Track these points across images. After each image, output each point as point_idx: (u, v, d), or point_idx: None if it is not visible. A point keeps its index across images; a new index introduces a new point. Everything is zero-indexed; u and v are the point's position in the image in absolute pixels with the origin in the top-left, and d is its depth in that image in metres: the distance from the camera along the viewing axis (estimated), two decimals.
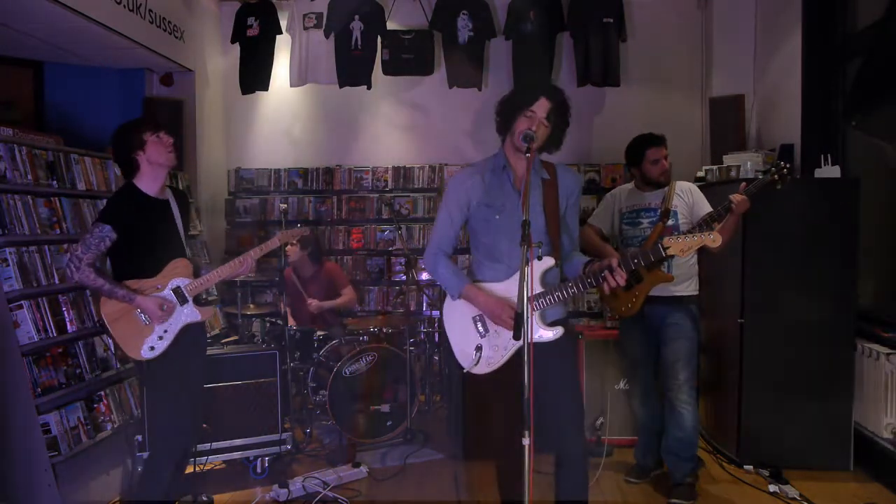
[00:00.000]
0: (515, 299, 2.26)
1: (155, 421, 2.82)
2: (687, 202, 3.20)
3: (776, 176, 2.89)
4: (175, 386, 2.69)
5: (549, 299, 2.32)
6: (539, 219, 2.34)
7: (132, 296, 2.60)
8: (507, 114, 2.35)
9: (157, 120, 2.75)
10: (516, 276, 2.27)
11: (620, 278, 2.22)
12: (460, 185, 2.41)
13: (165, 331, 2.67)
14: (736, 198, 2.89)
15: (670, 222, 3.16)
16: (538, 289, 2.30)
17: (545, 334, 2.31)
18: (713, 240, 2.21)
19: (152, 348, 2.64)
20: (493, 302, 2.32)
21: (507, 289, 2.33)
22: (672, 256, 2.35)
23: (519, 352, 2.25)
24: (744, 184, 2.98)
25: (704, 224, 2.99)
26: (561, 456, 2.49)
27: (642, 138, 3.28)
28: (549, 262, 2.32)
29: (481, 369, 2.37)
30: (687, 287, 3.21)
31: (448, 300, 2.46)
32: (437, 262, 2.44)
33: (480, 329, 2.40)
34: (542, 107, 2.27)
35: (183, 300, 2.72)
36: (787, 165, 2.90)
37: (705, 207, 3.15)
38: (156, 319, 2.64)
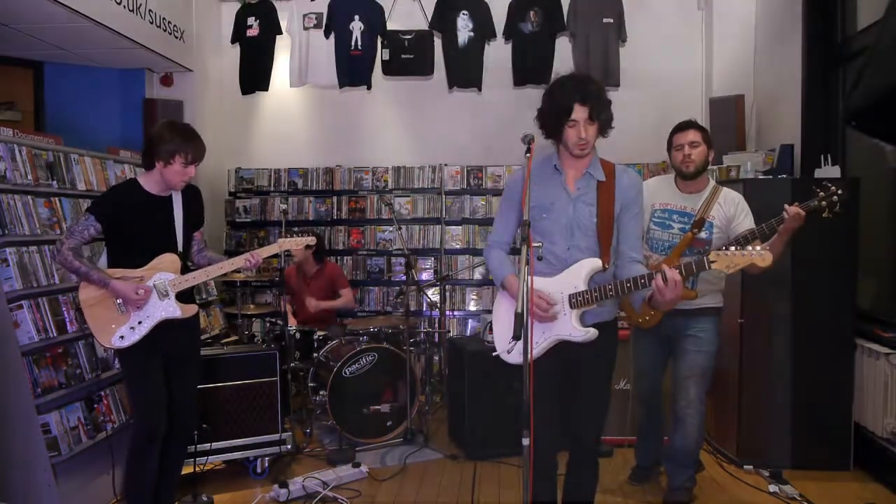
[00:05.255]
0: (558, 295, 2.30)
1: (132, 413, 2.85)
2: (727, 213, 2.94)
3: (823, 202, 2.58)
4: (145, 379, 2.69)
5: (587, 298, 2.28)
6: (591, 220, 2.33)
7: (106, 280, 2.61)
8: (552, 125, 2.34)
9: (202, 151, 2.72)
10: (559, 276, 2.32)
11: (675, 277, 2.13)
12: (513, 185, 2.44)
13: (140, 322, 2.67)
14: (791, 210, 2.60)
15: (702, 234, 2.93)
16: (581, 287, 2.29)
17: (575, 333, 2.30)
18: (763, 258, 2.08)
19: (122, 337, 2.64)
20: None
21: (547, 285, 2.32)
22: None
23: (557, 347, 2.31)
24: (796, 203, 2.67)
25: (744, 241, 2.72)
26: (573, 458, 2.49)
27: (678, 124, 3.07)
28: (594, 262, 2.30)
29: (513, 359, 2.33)
30: (712, 299, 3.02)
31: (500, 290, 2.51)
32: (489, 254, 2.53)
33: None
34: (579, 113, 2.26)
35: (163, 294, 2.72)
36: (839, 192, 2.57)
37: (746, 223, 2.90)
38: (131, 305, 2.64)
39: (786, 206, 2.66)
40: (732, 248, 2.16)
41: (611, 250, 2.35)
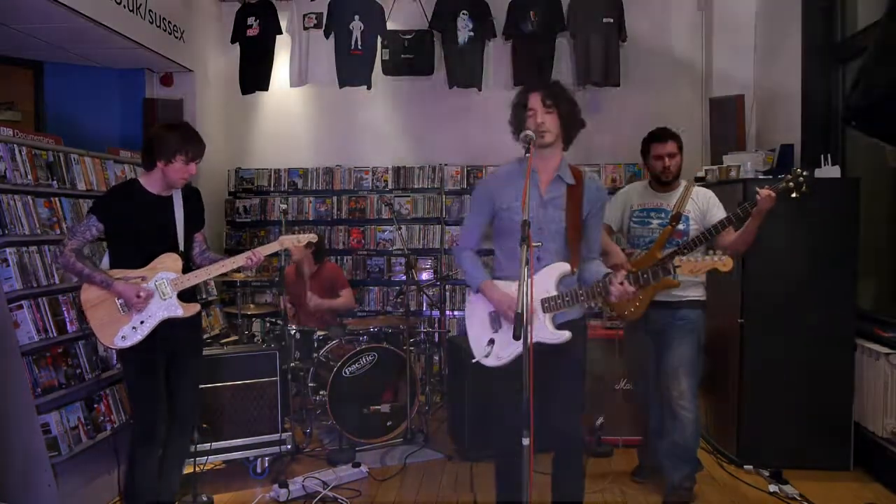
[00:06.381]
0: (530, 298, 2.30)
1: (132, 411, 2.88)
2: (701, 208, 3.12)
3: (791, 184, 2.79)
4: (145, 378, 2.70)
5: (558, 303, 2.35)
6: (559, 223, 2.38)
7: (109, 281, 2.62)
8: (517, 122, 2.43)
9: (203, 148, 2.75)
10: (535, 277, 2.34)
11: (623, 291, 2.28)
12: (483, 188, 2.54)
13: (142, 322, 2.67)
14: (763, 192, 2.78)
15: (680, 226, 3.10)
16: (553, 292, 2.35)
17: (550, 337, 2.34)
18: (724, 264, 2.25)
19: (124, 337, 2.64)
20: (503, 298, 2.39)
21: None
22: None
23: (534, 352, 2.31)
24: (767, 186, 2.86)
25: (720, 226, 2.94)
26: (557, 457, 2.50)
27: (652, 132, 3.23)
28: (563, 266, 2.35)
29: (491, 362, 2.44)
30: (694, 292, 3.15)
31: (473, 294, 2.56)
32: (462, 256, 2.56)
33: (495, 324, 2.47)
34: (535, 100, 2.36)
35: (165, 293, 2.72)
36: (804, 174, 2.79)
37: (720, 214, 3.06)
38: (133, 306, 2.64)
39: (757, 189, 2.83)
40: (697, 253, 2.37)
41: (579, 254, 2.41)
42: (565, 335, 2.33)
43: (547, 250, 2.38)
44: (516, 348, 2.37)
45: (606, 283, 2.31)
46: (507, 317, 2.37)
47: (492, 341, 2.46)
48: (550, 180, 2.43)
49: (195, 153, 2.70)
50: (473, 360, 2.51)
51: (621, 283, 2.28)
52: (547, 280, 2.36)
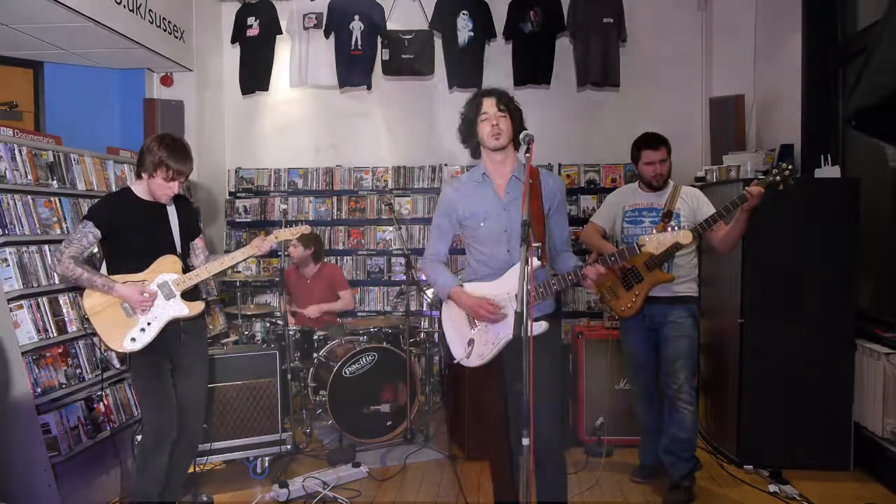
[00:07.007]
0: (505, 296, 2.43)
1: (142, 413, 2.87)
2: (691, 206, 3.23)
3: (778, 178, 2.88)
4: (155, 380, 2.70)
5: (533, 296, 2.38)
6: None
7: (111, 284, 2.62)
8: (469, 134, 2.53)
9: (187, 167, 2.72)
10: (503, 278, 2.46)
11: (595, 271, 2.39)
12: (446, 198, 2.62)
13: (149, 323, 2.68)
14: (753, 189, 2.87)
15: (672, 223, 3.18)
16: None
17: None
18: (684, 237, 2.38)
19: (133, 339, 2.65)
20: (472, 302, 2.47)
21: (493, 288, 2.47)
22: (660, 255, 2.50)
23: (507, 347, 2.42)
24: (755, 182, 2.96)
25: (711, 220, 3.03)
26: (537, 457, 2.50)
27: (641, 137, 3.31)
28: (533, 262, 2.37)
29: (473, 362, 2.51)
30: (687, 287, 3.24)
31: (446, 301, 2.62)
32: (430, 267, 2.64)
33: (472, 325, 2.53)
34: (489, 104, 2.45)
35: (169, 294, 2.73)
36: (790, 167, 2.89)
37: (709, 210, 3.17)
38: (137, 306, 2.65)
39: (745, 187, 2.91)
40: (655, 231, 2.48)
41: (546, 248, 2.47)
42: (542, 326, 2.39)
43: (517, 249, 2.43)
44: (494, 346, 2.45)
45: (577, 269, 2.43)
46: (482, 317, 2.45)
47: (471, 341, 2.51)
48: (507, 183, 2.50)
49: (175, 172, 2.67)
50: (454, 362, 2.57)
51: (594, 262, 2.41)
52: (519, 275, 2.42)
